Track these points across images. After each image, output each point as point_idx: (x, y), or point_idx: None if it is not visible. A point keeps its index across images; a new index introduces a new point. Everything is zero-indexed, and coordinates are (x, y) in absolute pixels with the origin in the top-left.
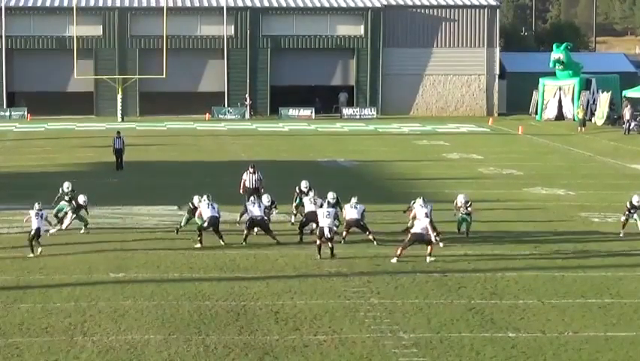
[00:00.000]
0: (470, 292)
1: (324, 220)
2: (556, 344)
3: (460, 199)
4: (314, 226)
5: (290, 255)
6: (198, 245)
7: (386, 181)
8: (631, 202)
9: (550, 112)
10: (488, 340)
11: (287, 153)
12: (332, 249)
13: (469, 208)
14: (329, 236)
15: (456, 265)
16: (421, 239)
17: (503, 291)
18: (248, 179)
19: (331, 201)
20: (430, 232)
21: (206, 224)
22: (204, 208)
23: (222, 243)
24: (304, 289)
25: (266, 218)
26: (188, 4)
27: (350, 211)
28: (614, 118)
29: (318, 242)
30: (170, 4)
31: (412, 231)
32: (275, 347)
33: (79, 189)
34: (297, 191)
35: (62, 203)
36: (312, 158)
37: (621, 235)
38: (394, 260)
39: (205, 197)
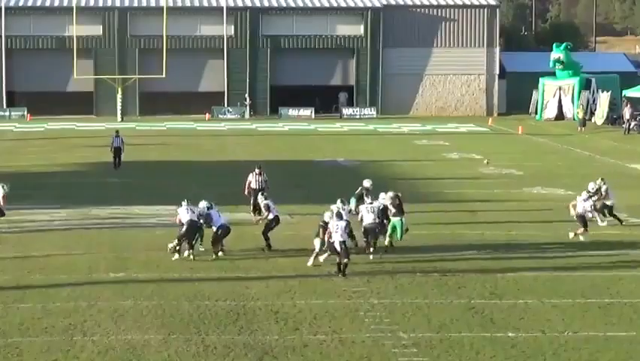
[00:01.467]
0: (470, 292)
1: (336, 235)
2: (556, 344)
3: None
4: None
5: (290, 255)
6: (176, 256)
7: (387, 181)
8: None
9: (550, 112)
10: (488, 340)
11: (287, 152)
12: (342, 265)
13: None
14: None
15: (456, 265)
16: None
17: (503, 291)
18: (254, 180)
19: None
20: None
21: (184, 229)
22: (183, 213)
23: (189, 257)
24: (304, 289)
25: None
26: (188, 4)
27: (367, 216)
28: (613, 118)
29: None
30: (170, 4)
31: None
32: (275, 347)
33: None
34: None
35: None
36: (312, 158)
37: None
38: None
39: (184, 202)
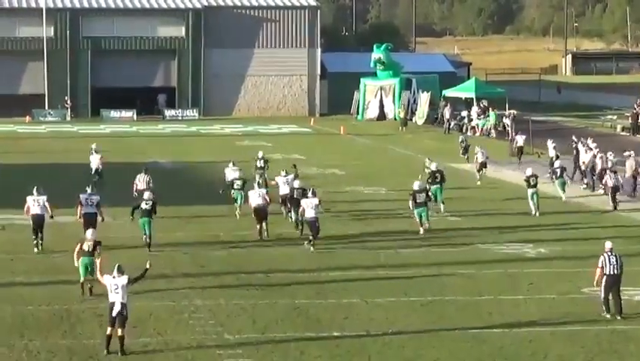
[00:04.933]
0: (294, 292)
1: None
2: (380, 343)
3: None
4: None
5: (113, 257)
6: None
7: (210, 182)
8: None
9: (372, 112)
10: (313, 340)
11: (109, 154)
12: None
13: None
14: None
15: (280, 265)
16: None
17: (327, 291)
18: (139, 181)
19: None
20: None
21: (30, 222)
22: (31, 204)
23: (36, 249)
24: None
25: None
26: (6, 5)
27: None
28: (434, 118)
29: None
30: None
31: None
32: (99, 351)
33: None
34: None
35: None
36: (134, 160)
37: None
38: None
39: (34, 190)
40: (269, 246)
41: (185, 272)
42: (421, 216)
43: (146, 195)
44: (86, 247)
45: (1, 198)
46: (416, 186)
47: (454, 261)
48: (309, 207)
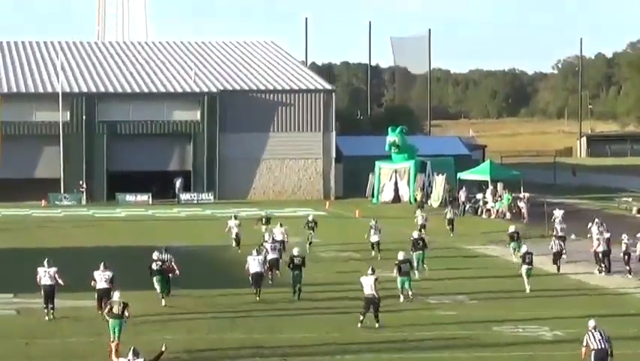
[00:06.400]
0: None
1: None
2: None
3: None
4: None
5: (132, 341)
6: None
7: (225, 265)
8: None
9: (387, 195)
10: None
11: (125, 238)
12: None
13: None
14: None
15: (297, 348)
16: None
17: None
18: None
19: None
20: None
21: (42, 292)
22: (42, 275)
23: (47, 317)
24: None
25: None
26: (23, 90)
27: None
28: (449, 200)
29: None
30: (5, 91)
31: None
32: None
33: None
34: None
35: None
36: (150, 243)
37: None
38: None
39: (45, 262)
40: (284, 329)
41: (202, 356)
42: (403, 285)
43: (155, 255)
44: (115, 309)
45: (15, 283)
46: (400, 256)
47: (468, 344)
48: (367, 284)
